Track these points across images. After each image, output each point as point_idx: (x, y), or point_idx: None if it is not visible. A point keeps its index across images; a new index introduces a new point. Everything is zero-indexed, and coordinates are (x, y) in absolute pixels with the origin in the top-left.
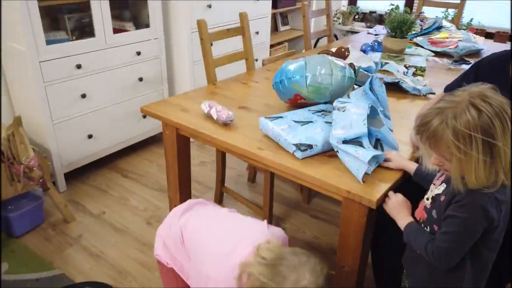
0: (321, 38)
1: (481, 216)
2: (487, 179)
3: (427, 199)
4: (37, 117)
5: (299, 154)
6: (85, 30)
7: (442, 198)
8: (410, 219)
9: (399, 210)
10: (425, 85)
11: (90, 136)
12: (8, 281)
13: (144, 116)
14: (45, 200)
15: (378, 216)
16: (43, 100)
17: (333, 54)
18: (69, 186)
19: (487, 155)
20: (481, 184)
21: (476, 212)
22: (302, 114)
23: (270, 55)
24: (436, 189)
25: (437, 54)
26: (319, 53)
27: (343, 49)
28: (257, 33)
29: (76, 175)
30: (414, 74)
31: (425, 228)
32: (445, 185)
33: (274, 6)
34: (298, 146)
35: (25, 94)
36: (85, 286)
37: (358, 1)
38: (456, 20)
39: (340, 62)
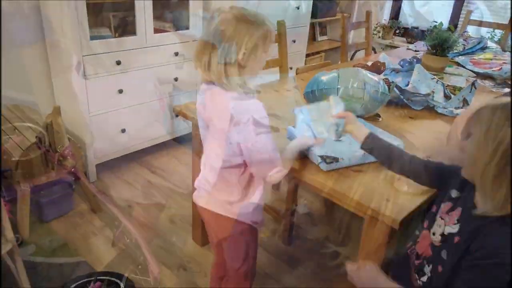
0: (359, 50)
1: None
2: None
3: (434, 234)
4: (75, 109)
5: (324, 166)
6: (127, 28)
7: (457, 239)
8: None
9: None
10: (462, 106)
11: (123, 131)
12: (34, 262)
13: (177, 115)
14: (75, 189)
15: None
16: (83, 93)
17: (368, 68)
18: (99, 178)
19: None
20: (488, 190)
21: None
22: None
23: (305, 64)
24: (449, 227)
25: (479, 75)
26: (354, 66)
27: (379, 63)
28: (294, 41)
29: (107, 167)
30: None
31: (427, 265)
32: (459, 225)
33: (314, 15)
34: (324, 158)
35: (66, 86)
36: (105, 276)
37: (400, 16)
38: (502, 42)
39: (374, 76)
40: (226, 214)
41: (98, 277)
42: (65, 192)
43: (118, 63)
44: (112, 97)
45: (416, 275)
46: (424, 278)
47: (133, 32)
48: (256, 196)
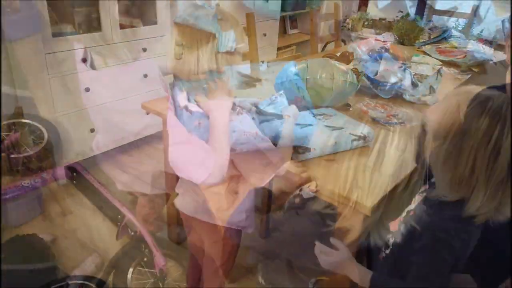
0: (329, 43)
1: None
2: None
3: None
4: (40, 109)
5: (296, 157)
6: (92, 24)
7: (411, 213)
8: (367, 271)
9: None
10: (429, 94)
11: (92, 130)
12: (2, 270)
13: (147, 113)
14: (43, 192)
15: None
16: (47, 92)
17: (337, 58)
18: (69, 179)
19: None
20: (438, 173)
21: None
22: (302, 116)
23: (277, 57)
24: (412, 204)
25: (445, 63)
26: (323, 57)
27: (347, 54)
28: (265, 35)
29: (77, 168)
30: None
31: (391, 239)
32: (417, 203)
33: (284, 8)
34: (296, 148)
35: (29, 86)
36: (78, 280)
37: (368, 8)
38: (465, 31)
39: (342, 66)
40: (214, 222)
41: (76, 281)
42: (32, 195)
43: (84, 60)
44: (78, 95)
45: (383, 248)
46: (388, 250)
47: (98, 28)
48: (246, 203)
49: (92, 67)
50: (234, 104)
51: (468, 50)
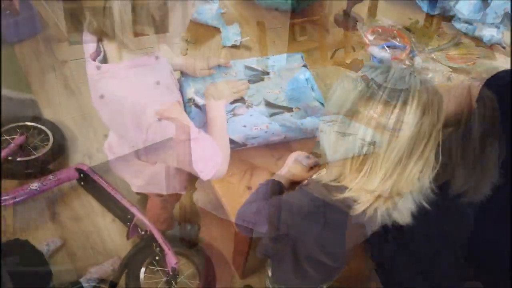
0: (338, 49)
1: None
2: None
3: None
4: (56, 115)
5: (306, 162)
6: (105, 31)
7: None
8: None
9: None
10: None
11: (105, 136)
12: (14, 272)
13: (159, 119)
14: (51, 194)
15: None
16: (63, 99)
17: (347, 66)
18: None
19: None
20: None
21: None
22: (312, 122)
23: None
24: None
25: (455, 70)
26: (333, 65)
27: (357, 61)
28: (274, 42)
29: (84, 169)
30: None
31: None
32: None
33: (292, 16)
34: (306, 154)
35: (46, 92)
36: (88, 283)
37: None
38: (475, 36)
39: (352, 74)
40: (227, 218)
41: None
42: (40, 198)
43: (98, 67)
44: (88, 100)
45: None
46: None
47: (111, 36)
48: (255, 201)
49: (104, 61)
50: (243, 98)
51: (478, 57)
